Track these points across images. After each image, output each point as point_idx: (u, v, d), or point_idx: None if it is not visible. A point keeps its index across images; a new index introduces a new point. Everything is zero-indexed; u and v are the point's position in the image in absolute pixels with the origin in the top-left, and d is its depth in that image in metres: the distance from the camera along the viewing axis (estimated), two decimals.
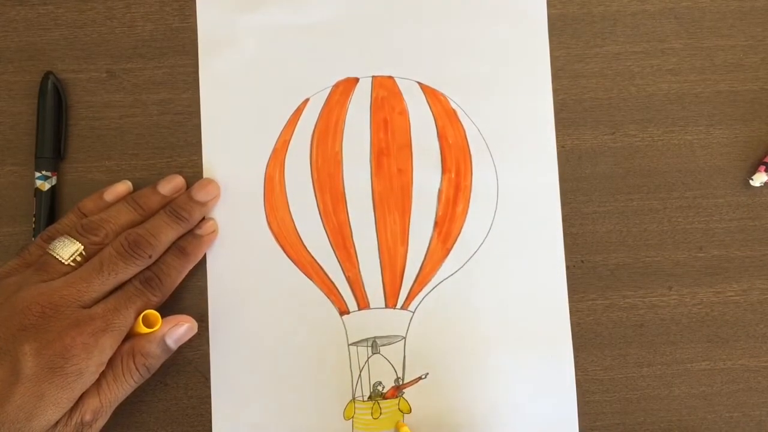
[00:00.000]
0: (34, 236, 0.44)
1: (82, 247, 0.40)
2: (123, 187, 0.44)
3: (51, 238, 0.41)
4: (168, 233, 0.42)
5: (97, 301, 0.39)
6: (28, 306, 0.37)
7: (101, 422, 0.39)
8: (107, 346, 0.38)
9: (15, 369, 0.36)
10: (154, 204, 0.43)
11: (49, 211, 0.44)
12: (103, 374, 0.39)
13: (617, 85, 0.47)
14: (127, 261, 0.40)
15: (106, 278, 0.39)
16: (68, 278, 0.39)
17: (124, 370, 0.39)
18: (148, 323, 0.40)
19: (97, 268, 0.40)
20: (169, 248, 0.42)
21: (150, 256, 0.41)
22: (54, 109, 0.45)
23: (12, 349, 0.36)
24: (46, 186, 0.44)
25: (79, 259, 0.40)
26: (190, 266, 0.43)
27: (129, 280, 0.41)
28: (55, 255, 0.40)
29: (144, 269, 0.41)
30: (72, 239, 0.40)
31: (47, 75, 0.45)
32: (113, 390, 0.39)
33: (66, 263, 0.40)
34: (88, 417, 0.38)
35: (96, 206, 0.43)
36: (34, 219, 0.44)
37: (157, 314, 0.41)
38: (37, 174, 0.44)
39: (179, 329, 0.41)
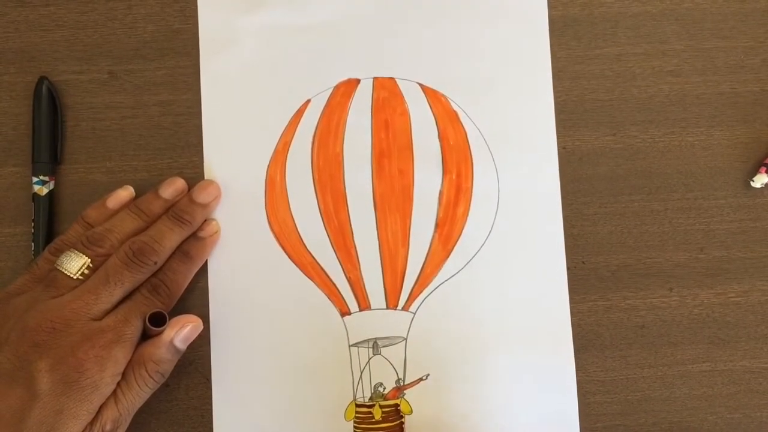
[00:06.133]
0: (34, 241, 0.44)
1: (89, 260, 0.40)
2: (125, 192, 0.44)
3: (59, 251, 0.41)
4: (171, 238, 0.42)
5: (106, 313, 0.39)
6: (39, 323, 0.38)
7: (122, 430, 0.39)
8: (120, 357, 0.39)
9: (31, 387, 0.37)
10: (157, 209, 0.43)
11: (48, 216, 0.44)
12: (118, 384, 0.39)
13: (618, 86, 0.47)
14: (133, 270, 0.40)
15: (113, 289, 0.40)
16: (76, 292, 0.39)
17: (137, 379, 0.39)
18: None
19: (103, 279, 0.40)
20: (173, 253, 0.42)
21: (155, 263, 0.41)
22: (49, 114, 0.44)
23: (27, 368, 0.37)
24: (44, 191, 0.44)
25: (86, 272, 0.40)
26: (196, 269, 0.44)
27: (137, 289, 0.41)
28: (63, 270, 0.40)
29: (150, 277, 0.41)
30: (78, 253, 0.40)
31: (41, 80, 0.45)
32: (129, 399, 0.39)
33: (74, 278, 0.40)
34: (108, 427, 0.38)
35: (99, 214, 0.43)
36: (33, 224, 0.44)
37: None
38: (35, 179, 0.44)
39: (185, 330, 0.41)
